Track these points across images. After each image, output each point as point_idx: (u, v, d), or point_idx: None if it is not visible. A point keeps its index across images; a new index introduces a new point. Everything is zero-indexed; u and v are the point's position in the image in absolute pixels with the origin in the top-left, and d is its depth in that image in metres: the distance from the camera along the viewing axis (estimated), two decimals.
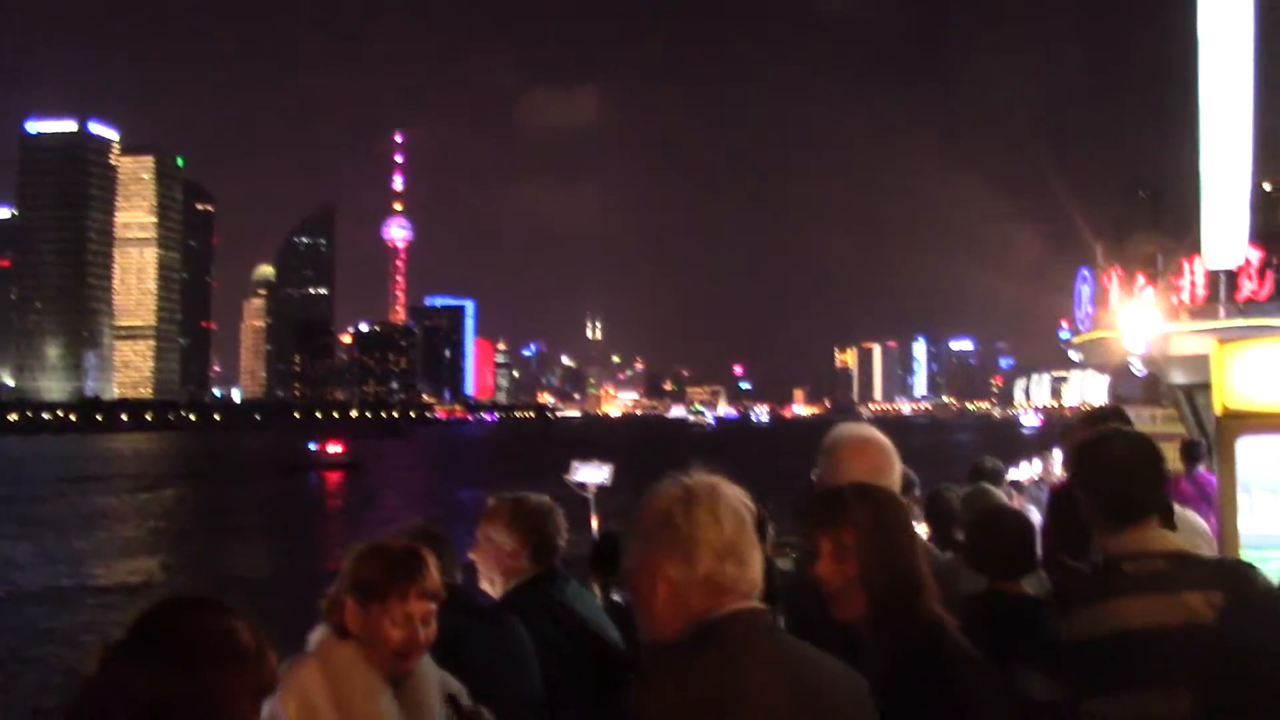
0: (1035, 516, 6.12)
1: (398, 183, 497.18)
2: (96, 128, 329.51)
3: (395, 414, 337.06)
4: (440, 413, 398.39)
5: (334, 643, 2.90)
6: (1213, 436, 5.55)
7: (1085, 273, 27.64)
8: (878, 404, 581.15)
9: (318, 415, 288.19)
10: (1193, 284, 22.26)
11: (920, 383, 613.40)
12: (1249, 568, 2.98)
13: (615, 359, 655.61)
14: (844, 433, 3.57)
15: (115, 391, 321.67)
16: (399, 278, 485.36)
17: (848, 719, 2.19)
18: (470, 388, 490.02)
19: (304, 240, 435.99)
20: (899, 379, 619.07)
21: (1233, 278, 20.90)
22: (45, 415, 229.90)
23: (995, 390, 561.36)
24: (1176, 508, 3.17)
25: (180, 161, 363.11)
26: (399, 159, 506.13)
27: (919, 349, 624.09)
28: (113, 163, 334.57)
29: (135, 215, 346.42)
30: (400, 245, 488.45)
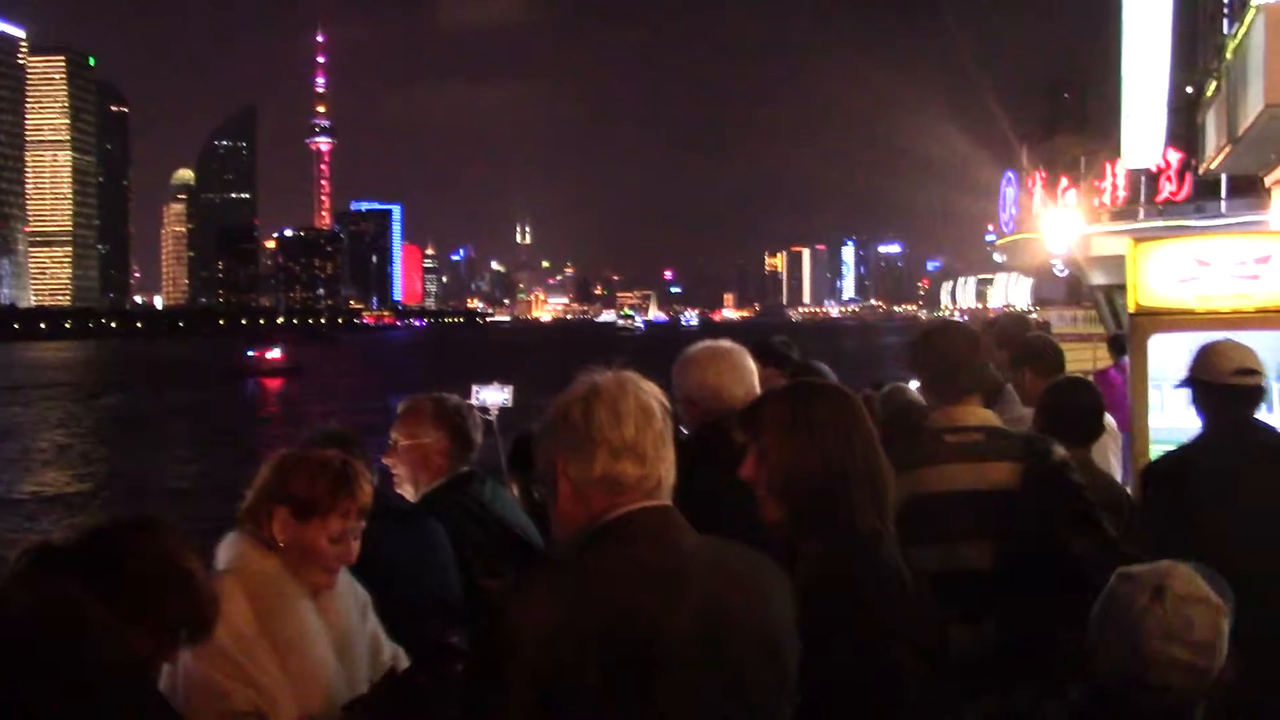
0: None
1: (320, 85, 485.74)
2: (2, 26, 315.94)
3: (323, 321, 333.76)
4: (368, 319, 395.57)
5: (256, 555, 2.78)
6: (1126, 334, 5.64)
7: (1010, 175, 28.00)
8: (807, 308, 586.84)
9: (243, 322, 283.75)
10: (1114, 186, 22.60)
11: (849, 286, 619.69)
12: (1049, 442, 3.47)
13: (545, 264, 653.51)
14: (696, 346, 3.81)
15: (32, 300, 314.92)
16: (324, 182, 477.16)
17: (749, 632, 2.08)
18: (398, 293, 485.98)
19: (225, 143, 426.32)
20: (828, 283, 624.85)
21: (1153, 180, 21.22)
22: None
23: (922, 293, 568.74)
24: None
25: (92, 61, 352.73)
26: (321, 59, 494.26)
27: (848, 253, 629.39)
28: (20, 62, 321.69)
29: (46, 118, 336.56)
30: (324, 148, 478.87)
